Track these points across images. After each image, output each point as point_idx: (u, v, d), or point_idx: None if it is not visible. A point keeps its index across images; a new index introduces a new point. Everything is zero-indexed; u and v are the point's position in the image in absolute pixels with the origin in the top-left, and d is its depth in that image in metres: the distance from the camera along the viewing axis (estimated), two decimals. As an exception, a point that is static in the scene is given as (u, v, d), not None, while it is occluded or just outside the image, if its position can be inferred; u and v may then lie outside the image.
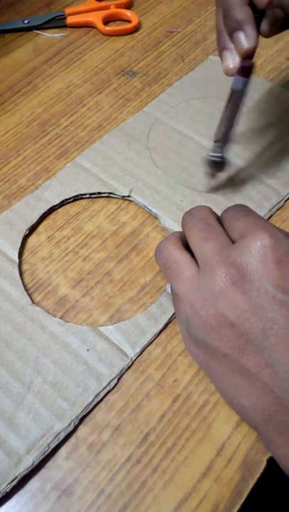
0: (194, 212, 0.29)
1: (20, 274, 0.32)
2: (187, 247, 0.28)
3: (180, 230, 0.30)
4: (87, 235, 0.35)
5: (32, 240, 0.34)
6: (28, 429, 0.27)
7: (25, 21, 0.48)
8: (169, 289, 0.31)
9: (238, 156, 0.38)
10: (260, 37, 0.30)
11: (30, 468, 0.25)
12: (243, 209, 0.28)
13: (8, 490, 0.25)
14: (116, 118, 0.41)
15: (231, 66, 0.30)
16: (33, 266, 0.33)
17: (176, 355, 0.29)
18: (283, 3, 0.30)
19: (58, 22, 0.48)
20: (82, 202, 0.36)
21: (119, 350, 0.29)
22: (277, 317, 0.23)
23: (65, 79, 0.44)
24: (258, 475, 0.26)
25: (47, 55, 0.46)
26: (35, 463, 0.26)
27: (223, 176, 0.36)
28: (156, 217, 0.35)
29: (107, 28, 0.48)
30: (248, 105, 0.41)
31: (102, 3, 0.49)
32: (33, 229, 0.35)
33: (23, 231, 0.34)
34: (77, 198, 0.36)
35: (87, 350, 0.29)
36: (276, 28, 0.30)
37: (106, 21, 0.49)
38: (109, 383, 0.28)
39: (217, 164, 0.34)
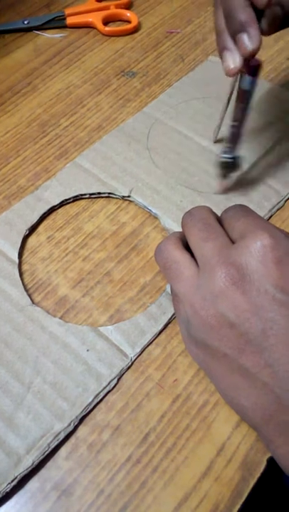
0: (194, 213, 0.29)
1: (20, 274, 0.32)
2: (187, 247, 0.28)
3: (180, 230, 0.30)
4: (87, 235, 0.35)
5: (32, 241, 0.34)
6: (27, 429, 0.27)
7: (25, 22, 0.48)
8: (168, 289, 0.31)
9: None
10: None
11: (30, 469, 0.25)
12: (242, 209, 0.28)
13: (8, 490, 0.25)
14: (116, 118, 0.41)
15: (232, 66, 0.30)
16: (33, 266, 0.33)
17: (176, 356, 0.30)
18: (282, 1, 0.30)
19: (57, 22, 0.49)
20: (82, 202, 0.36)
21: (119, 351, 0.29)
22: (277, 317, 0.23)
23: (65, 79, 0.44)
24: (258, 475, 0.26)
25: (47, 55, 0.46)
26: (35, 463, 0.26)
27: (235, 176, 0.36)
28: (156, 218, 0.35)
29: (107, 28, 0.48)
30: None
31: (102, 4, 0.49)
32: (32, 229, 0.35)
33: (23, 231, 0.34)
34: (77, 198, 0.36)
35: (87, 350, 0.29)
36: (275, 27, 0.30)
37: (106, 22, 0.49)
38: (109, 383, 0.28)
39: (229, 165, 0.34)
